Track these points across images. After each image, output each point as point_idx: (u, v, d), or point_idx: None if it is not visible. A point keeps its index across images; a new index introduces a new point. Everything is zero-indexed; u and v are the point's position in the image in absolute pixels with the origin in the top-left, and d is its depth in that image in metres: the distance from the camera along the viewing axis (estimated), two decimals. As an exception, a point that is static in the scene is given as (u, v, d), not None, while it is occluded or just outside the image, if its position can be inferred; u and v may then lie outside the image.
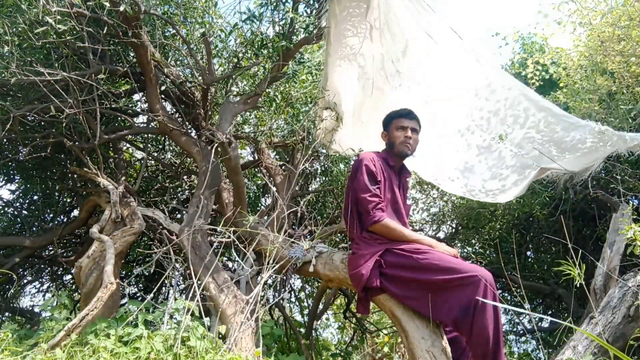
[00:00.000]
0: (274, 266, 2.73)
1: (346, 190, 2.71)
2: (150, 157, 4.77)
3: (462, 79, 3.12)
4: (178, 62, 4.15)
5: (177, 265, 3.19)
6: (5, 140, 3.85)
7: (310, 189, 5.03)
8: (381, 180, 2.53)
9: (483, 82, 3.09)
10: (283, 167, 4.33)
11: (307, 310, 5.55)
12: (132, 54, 3.67)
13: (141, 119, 4.57)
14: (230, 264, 5.17)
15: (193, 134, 3.94)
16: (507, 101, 3.05)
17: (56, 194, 4.73)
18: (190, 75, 4.01)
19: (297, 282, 5.82)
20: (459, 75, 3.11)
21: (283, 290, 5.14)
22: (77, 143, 3.64)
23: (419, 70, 3.13)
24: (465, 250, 5.99)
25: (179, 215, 4.74)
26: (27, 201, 4.76)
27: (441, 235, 5.82)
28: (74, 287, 4.95)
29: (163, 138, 4.84)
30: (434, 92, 3.19)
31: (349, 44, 2.99)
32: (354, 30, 2.92)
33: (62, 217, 4.91)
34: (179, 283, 3.59)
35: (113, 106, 3.59)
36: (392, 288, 2.31)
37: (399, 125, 2.66)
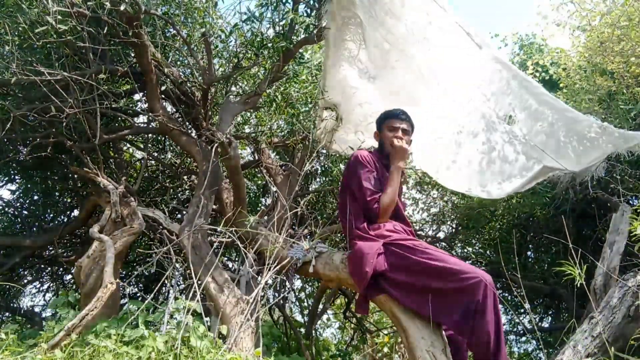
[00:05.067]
0: (275, 266, 2.73)
1: (342, 187, 2.71)
2: (150, 157, 4.77)
3: (467, 71, 3.09)
4: (178, 62, 4.15)
5: (177, 265, 3.19)
6: (5, 140, 3.85)
7: (310, 189, 5.03)
8: (375, 176, 2.55)
9: (488, 74, 3.06)
10: (283, 168, 4.33)
11: (307, 310, 5.55)
12: (132, 54, 3.67)
13: (141, 119, 4.57)
14: (230, 264, 5.17)
15: (193, 134, 3.94)
16: (514, 90, 3.01)
17: (56, 194, 4.73)
18: (190, 75, 4.01)
19: (297, 282, 5.82)
20: (463, 66, 3.07)
21: (284, 291, 5.14)
22: (77, 143, 3.64)
23: (420, 61, 3.10)
24: (465, 250, 5.99)
25: (179, 215, 4.74)
26: (27, 201, 4.76)
27: (441, 235, 5.83)
28: (74, 287, 4.95)
29: (163, 138, 4.84)
30: (436, 80, 3.16)
31: (349, 43, 2.98)
32: (353, 29, 2.91)
33: (62, 217, 4.91)
34: (179, 283, 3.59)
35: (113, 106, 3.58)
36: (392, 291, 2.30)
37: (391, 125, 2.66)
